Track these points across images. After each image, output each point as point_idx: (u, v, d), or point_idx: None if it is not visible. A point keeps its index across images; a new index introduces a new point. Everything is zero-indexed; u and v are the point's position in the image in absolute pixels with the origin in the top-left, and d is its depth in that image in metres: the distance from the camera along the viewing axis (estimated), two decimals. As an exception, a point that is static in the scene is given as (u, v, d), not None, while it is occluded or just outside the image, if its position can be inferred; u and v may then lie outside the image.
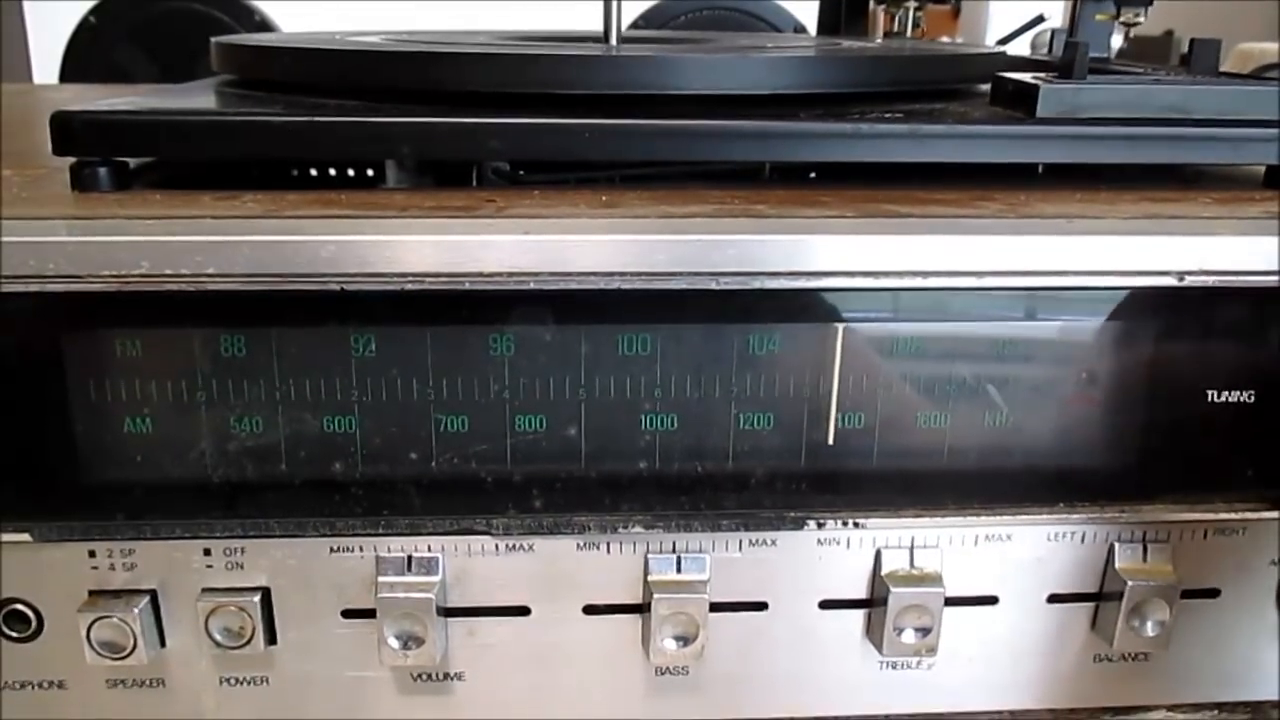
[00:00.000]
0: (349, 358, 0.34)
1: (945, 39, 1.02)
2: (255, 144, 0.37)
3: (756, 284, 0.33)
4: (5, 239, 0.32)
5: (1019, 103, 0.41)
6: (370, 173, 0.42)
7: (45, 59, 1.04)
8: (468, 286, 0.33)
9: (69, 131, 0.37)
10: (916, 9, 0.69)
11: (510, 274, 0.33)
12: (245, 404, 0.35)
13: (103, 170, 0.38)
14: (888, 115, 0.39)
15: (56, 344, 0.34)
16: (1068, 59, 0.41)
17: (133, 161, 0.39)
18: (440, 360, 0.34)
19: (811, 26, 1.06)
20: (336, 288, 0.33)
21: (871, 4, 0.72)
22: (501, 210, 0.36)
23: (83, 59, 1.03)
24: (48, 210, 0.36)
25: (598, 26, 0.55)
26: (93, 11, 1.03)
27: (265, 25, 1.05)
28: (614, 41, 0.56)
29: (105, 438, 0.35)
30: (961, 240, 0.33)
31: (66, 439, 0.34)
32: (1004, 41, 0.67)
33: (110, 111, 0.38)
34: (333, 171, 0.42)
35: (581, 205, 0.37)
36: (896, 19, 0.70)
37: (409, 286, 0.33)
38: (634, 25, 1.03)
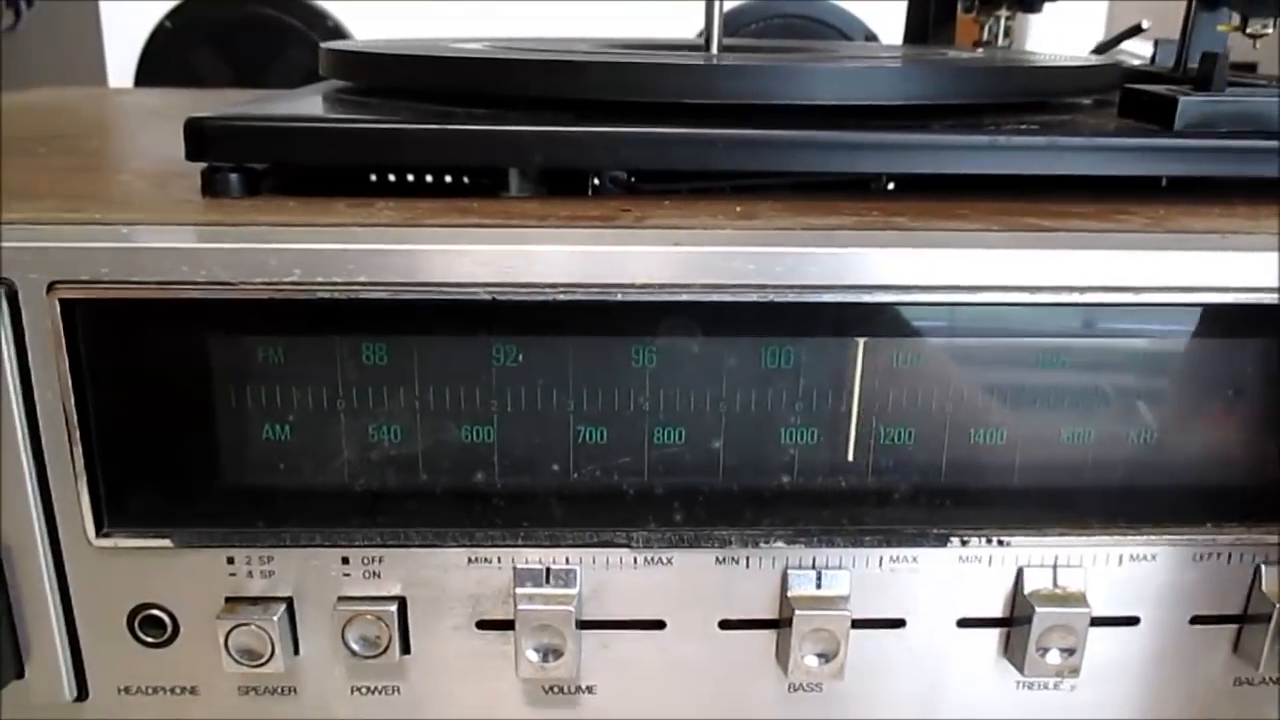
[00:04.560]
0: (490, 367, 0.34)
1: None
2: (392, 151, 0.37)
3: (909, 298, 0.33)
4: (151, 244, 0.32)
5: (1154, 115, 0.40)
6: (482, 180, 0.42)
7: (120, 63, 1.06)
8: (619, 298, 0.33)
9: (202, 137, 0.37)
10: (1008, 18, 0.68)
11: (662, 285, 0.32)
12: (386, 412, 0.34)
13: (234, 176, 0.38)
14: (1024, 127, 0.39)
15: (200, 350, 0.34)
16: (1205, 71, 0.40)
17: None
18: (581, 371, 0.34)
19: (882, 33, 1.05)
20: (488, 297, 0.32)
21: (960, 12, 0.71)
22: (640, 220, 0.36)
23: (157, 63, 1.04)
24: (184, 216, 0.36)
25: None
26: (169, 16, 1.04)
27: (339, 30, 1.05)
28: (714, 50, 0.55)
29: (246, 444, 0.35)
30: (1119, 255, 0.33)
31: (208, 445, 0.34)
32: (1100, 50, 0.66)
33: (245, 117, 0.38)
34: (447, 179, 0.41)
35: (719, 216, 0.36)
36: (986, 28, 0.69)
37: (559, 297, 0.33)
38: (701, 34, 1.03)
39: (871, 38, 1.04)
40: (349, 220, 0.35)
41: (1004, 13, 0.68)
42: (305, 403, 0.34)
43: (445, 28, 0.85)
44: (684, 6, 1.07)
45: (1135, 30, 0.64)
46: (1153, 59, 0.59)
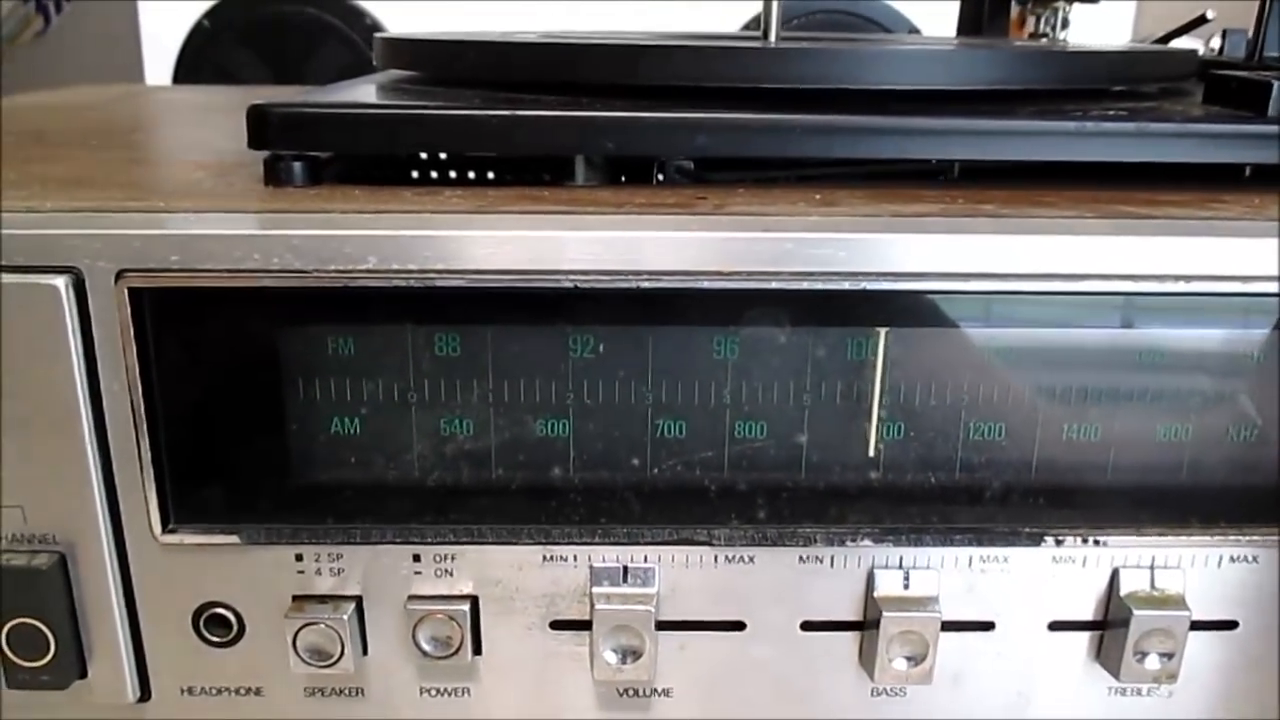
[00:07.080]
0: (567, 358, 0.33)
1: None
2: (463, 138, 0.36)
3: (1009, 286, 0.32)
4: (222, 231, 0.32)
5: (1245, 101, 0.39)
6: (546, 170, 0.41)
7: (158, 61, 1.05)
8: (704, 285, 0.31)
9: (266, 125, 0.37)
10: (1066, 9, 0.67)
11: (749, 273, 0.31)
12: (459, 405, 0.33)
13: (298, 164, 0.37)
14: (1111, 113, 0.37)
15: (270, 340, 0.33)
16: (1300, 55, 0.39)
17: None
18: (661, 362, 0.33)
19: (924, 27, 1.04)
20: (570, 285, 0.31)
21: (1014, 4, 0.70)
22: (719, 208, 0.34)
23: (194, 62, 1.04)
24: (250, 204, 0.35)
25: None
26: (206, 15, 1.03)
27: (377, 28, 1.05)
28: (772, 39, 0.54)
29: (316, 438, 0.34)
30: (1225, 243, 0.32)
31: (277, 439, 0.34)
32: (1165, 40, 0.65)
33: (311, 105, 0.37)
34: (499, 170, 0.40)
35: (800, 203, 0.35)
36: (1043, 19, 0.68)
37: (643, 284, 0.31)
38: (745, 27, 1.02)
39: (914, 32, 1.03)
40: (418, 208, 0.34)
41: (1061, 4, 0.67)
42: (376, 395, 0.33)
43: (483, 24, 0.85)
44: (703, 8, 1.06)
45: (1200, 21, 0.63)
46: (1221, 49, 0.58)
